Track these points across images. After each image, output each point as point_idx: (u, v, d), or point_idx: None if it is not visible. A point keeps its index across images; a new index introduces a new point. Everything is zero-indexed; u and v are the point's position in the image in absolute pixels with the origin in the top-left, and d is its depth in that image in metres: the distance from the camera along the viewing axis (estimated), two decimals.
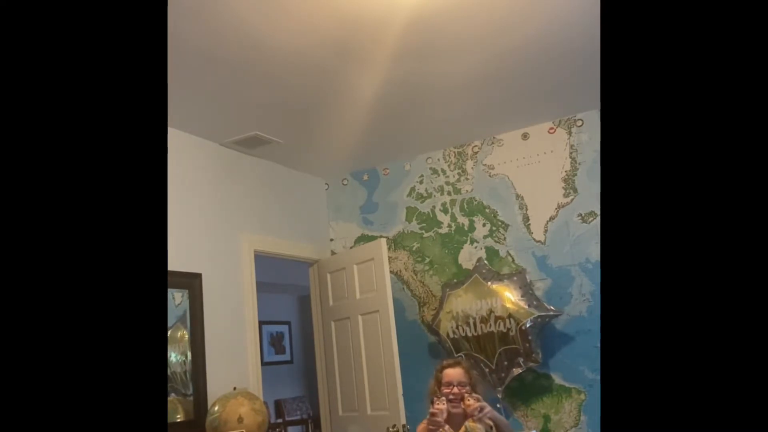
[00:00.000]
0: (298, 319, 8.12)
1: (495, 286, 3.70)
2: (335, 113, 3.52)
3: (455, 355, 3.73)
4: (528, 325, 3.53)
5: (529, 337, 3.53)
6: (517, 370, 3.61)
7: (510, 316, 3.57)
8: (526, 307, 3.57)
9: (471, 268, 3.97)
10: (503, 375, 3.62)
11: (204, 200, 3.60)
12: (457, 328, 3.73)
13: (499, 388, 3.65)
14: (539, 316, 3.56)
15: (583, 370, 3.62)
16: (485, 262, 3.89)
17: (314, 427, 7.29)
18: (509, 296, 3.63)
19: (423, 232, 4.26)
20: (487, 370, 3.65)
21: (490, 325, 3.62)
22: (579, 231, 3.74)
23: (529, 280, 3.71)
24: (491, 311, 3.62)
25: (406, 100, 3.43)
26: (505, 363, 3.61)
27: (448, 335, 3.77)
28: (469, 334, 3.69)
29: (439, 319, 3.84)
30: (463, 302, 3.76)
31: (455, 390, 2.65)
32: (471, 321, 3.68)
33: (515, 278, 3.69)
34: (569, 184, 3.81)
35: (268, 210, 4.09)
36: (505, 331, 3.57)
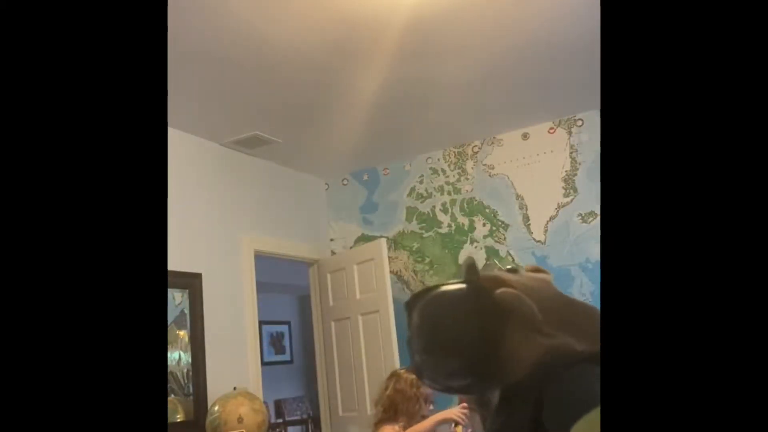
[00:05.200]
0: (298, 319, 8.12)
1: None
2: (335, 113, 3.52)
3: None
4: None
5: None
6: None
7: None
8: None
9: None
10: None
11: (204, 200, 3.60)
12: None
13: None
14: None
15: None
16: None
17: (314, 427, 7.29)
18: None
19: (423, 232, 4.26)
20: None
21: None
22: (579, 231, 3.74)
23: None
24: None
25: (406, 100, 3.43)
26: None
27: None
28: None
29: None
30: None
31: (430, 408, 2.66)
32: None
33: None
34: (569, 184, 3.81)
35: (268, 210, 4.09)
36: None
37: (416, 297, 0.87)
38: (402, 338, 3.89)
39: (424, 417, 2.62)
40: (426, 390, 2.65)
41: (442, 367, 0.84)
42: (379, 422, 2.64)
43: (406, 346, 0.88)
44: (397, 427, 2.58)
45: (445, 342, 0.83)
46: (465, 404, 2.55)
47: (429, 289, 0.87)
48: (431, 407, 2.67)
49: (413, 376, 2.69)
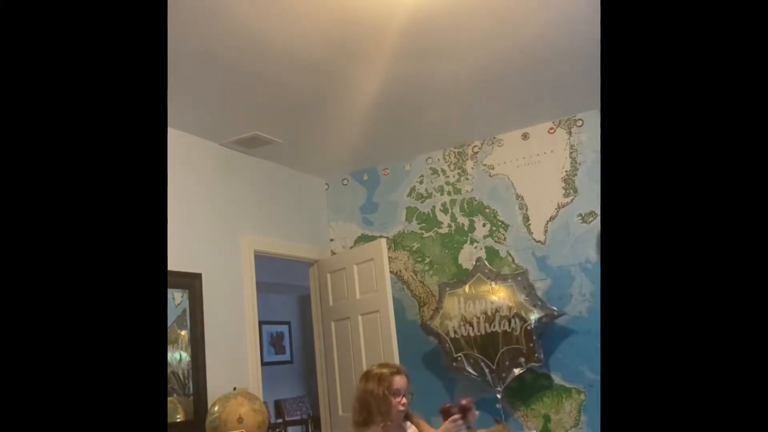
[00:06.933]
0: (298, 319, 8.12)
1: (499, 286, 3.70)
2: (335, 113, 3.52)
3: (454, 355, 3.73)
4: (533, 326, 3.53)
5: (534, 338, 3.54)
6: (518, 370, 3.60)
7: (515, 315, 3.57)
8: (531, 307, 3.58)
9: (471, 268, 3.97)
10: (504, 375, 3.62)
11: (204, 200, 3.60)
12: (459, 327, 3.73)
13: (499, 388, 3.65)
14: (544, 316, 3.57)
15: (583, 370, 3.62)
16: (485, 261, 3.88)
17: (314, 427, 7.29)
18: (514, 296, 3.63)
19: (423, 232, 4.26)
20: (487, 369, 3.65)
21: (495, 324, 3.62)
22: (579, 231, 3.74)
23: (530, 281, 3.71)
24: (497, 311, 3.62)
25: (406, 100, 3.43)
26: (506, 363, 3.61)
27: (448, 334, 3.76)
28: (472, 334, 3.69)
29: (440, 318, 3.83)
30: (465, 302, 3.75)
31: (404, 401, 2.44)
32: (474, 320, 3.68)
33: (519, 278, 3.69)
34: (569, 184, 3.81)
35: (268, 210, 4.09)
36: (509, 330, 3.58)
37: None
38: (402, 337, 3.89)
39: (399, 413, 2.42)
40: (395, 384, 2.43)
41: None
42: (355, 425, 2.50)
43: None
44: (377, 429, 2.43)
45: None
46: (454, 417, 2.39)
47: None
48: (404, 399, 2.44)
49: (383, 371, 2.52)
